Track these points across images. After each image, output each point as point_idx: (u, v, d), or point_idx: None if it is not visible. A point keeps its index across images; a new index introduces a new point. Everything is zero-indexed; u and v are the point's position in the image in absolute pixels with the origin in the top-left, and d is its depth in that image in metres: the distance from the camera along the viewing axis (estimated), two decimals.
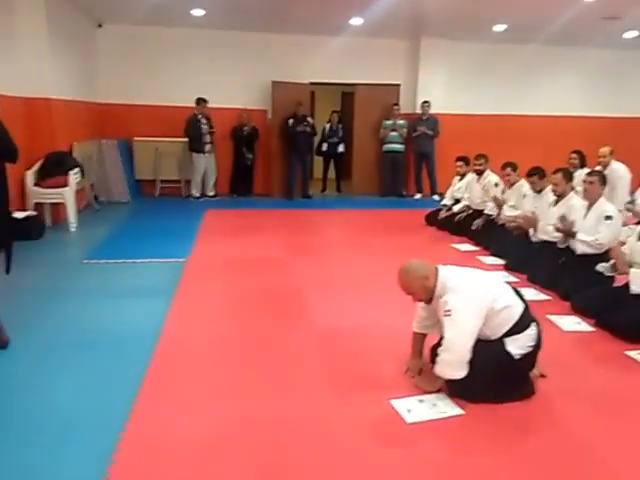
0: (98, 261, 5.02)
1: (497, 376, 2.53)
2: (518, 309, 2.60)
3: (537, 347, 2.64)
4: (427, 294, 2.63)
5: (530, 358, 2.64)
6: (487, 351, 2.52)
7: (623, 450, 2.29)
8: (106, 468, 2.05)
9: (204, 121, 8.47)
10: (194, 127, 8.38)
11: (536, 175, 5.13)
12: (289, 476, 2.07)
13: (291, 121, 8.73)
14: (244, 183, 9.12)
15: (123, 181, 8.32)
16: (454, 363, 2.50)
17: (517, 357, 2.57)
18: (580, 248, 4.22)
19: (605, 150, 6.31)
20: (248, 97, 9.07)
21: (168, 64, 8.76)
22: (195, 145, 8.46)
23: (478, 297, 2.52)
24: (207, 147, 8.53)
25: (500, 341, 2.57)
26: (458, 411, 2.51)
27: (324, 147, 9.59)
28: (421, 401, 2.59)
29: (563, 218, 4.37)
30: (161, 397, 2.61)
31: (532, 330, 2.62)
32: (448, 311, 2.48)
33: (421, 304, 2.80)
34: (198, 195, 8.69)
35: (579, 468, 2.17)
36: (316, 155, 9.83)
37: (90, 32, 8.40)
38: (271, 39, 8.90)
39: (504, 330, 2.56)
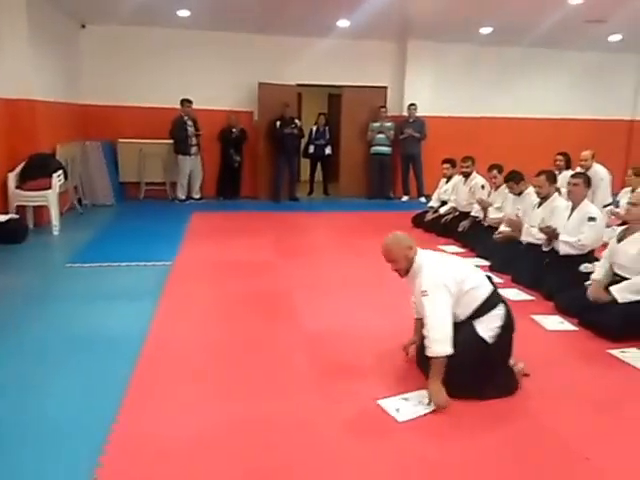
0: (82, 265, 4.95)
1: (476, 365, 2.59)
2: (486, 290, 2.71)
3: (508, 329, 2.69)
4: (407, 264, 2.75)
5: (504, 342, 2.69)
6: (462, 341, 2.58)
7: (606, 447, 2.30)
8: (93, 470, 2.04)
9: (190, 123, 8.42)
10: (180, 129, 8.33)
11: (512, 180, 5.22)
12: (278, 478, 2.05)
13: (278, 123, 8.71)
14: (231, 186, 9.08)
15: (107, 183, 8.24)
16: (441, 339, 2.55)
17: (490, 341, 2.64)
18: (563, 249, 4.26)
19: (587, 154, 6.41)
20: (234, 98, 9.04)
21: (153, 65, 8.70)
22: (181, 147, 8.41)
23: (448, 277, 2.66)
24: (193, 149, 8.49)
25: (470, 325, 2.66)
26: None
27: (311, 149, 9.57)
28: (406, 399, 2.60)
29: (545, 225, 4.41)
30: (148, 399, 2.59)
31: (499, 310, 2.69)
32: (424, 292, 2.62)
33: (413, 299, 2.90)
34: (184, 198, 8.63)
35: (563, 465, 2.18)
36: (303, 157, 9.82)
37: (73, 33, 8.32)
38: (257, 40, 8.88)
39: (472, 308, 2.67)
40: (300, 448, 2.24)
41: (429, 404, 2.52)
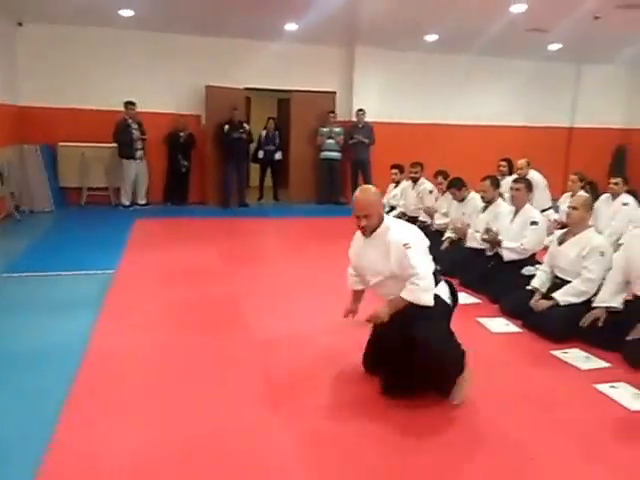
0: (19, 274, 4.71)
1: (448, 321, 2.72)
2: (432, 266, 2.77)
3: (455, 300, 2.81)
4: (377, 222, 2.71)
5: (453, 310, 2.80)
6: (434, 310, 2.62)
7: (549, 447, 2.34)
8: None
9: (135, 126, 8.18)
10: (124, 132, 8.08)
11: (454, 187, 5.35)
12: None
13: (227, 127, 8.58)
14: (178, 191, 8.86)
15: (46, 189, 7.87)
16: (429, 288, 2.60)
17: (449, 302, 2.75)
18: (507, 255, 4.36)
19: (522, 162, 6.67)
20: (181, 102, 8.84)
21: (95, 66, 8.39)
22: (125, 151, 8.15)
23: (420, 236, 2.76)
24: (138, 153, 8.24)
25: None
26: None
27: (260, 154, 9.48)
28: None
29: (488, 230, 4.51)
30: (87, 417, 2.46)
31: (443, 286, 2.78)
32: (407, 244, 2.60)
33: (351, 271, 3.00)
34: (128, 203, 8.35)
35: (508, 466, 2.20)
36: (252, 162, 9.71)
37: (9, 31, 7.92)
38: (204, 42, 8.72)
39: None
40: (252, 469, 2.15)
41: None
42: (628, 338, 3.24)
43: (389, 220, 2.76)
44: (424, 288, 2.58)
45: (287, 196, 9.68)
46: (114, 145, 8.19)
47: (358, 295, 3.04)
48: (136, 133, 8.18)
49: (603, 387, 2.90)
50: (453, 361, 2.63)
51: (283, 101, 10.77)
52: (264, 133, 9.50)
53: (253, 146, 9.36)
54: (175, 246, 5.92)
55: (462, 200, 5.34)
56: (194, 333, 3.51)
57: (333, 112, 9.34)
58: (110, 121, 8.04)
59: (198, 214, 8.14)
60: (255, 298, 4.25)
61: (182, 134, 8.64)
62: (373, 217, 2.68)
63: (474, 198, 5.19)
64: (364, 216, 2.67)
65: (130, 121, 8.13)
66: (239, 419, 2.49)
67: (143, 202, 8.49)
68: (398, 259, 2.61)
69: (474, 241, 4.81)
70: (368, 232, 2.71)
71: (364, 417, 2.52)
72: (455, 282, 4.64)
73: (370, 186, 2.89)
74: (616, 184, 5.40)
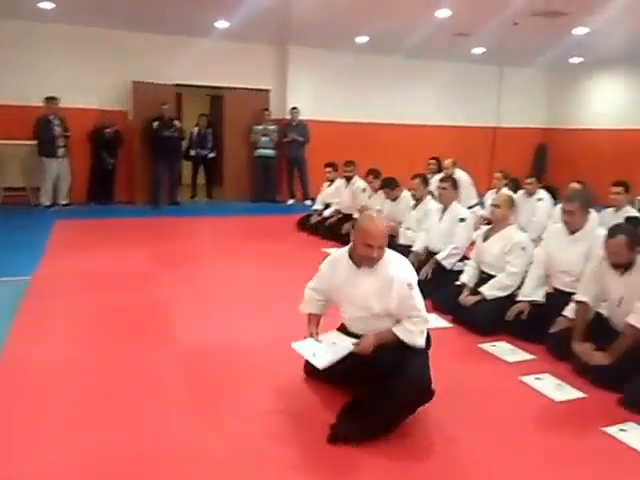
0: None
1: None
2: None
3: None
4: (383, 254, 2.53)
5: None
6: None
7: (479, 437, 2.39)
8: None
9: (57, 122, 7.75)
10: (45, 129, 7.63)
11: (387, 187, 5.44)
12: None
13: (156, 124, 8.29)
14: (104, 190, 8.47)
15: None
16: (424, 332, 2.56)
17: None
18: (448, 263, 4.39)
19: (449, 162, 6.92)
20: (106, 97, 8.46)
21: (12, 60, 7.85)
22: (46, 148, 7.69)
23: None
24: (60, 151, 7.80)
25: None
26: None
27: (193, 152, 9.24)
28: (319, 341, 2.65)
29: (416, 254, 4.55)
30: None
31: None
32: (410, 284, 2.51)
33: (314, 294, 2.81)
34: (49, 204, 7.88)
35: (440, 457, 2.23)
36: (185, 160, 9.45)
37: None
38: (131, 37, 8.38)
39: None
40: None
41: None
42: (551, 330, 3.37)
43: (388, 252, 2.56)
44: (421, 331, 2.52)
45: (221, 194, 9.50)
46: (32, 142, 7.71)
47: (317, 319, 2.79)
48: (58, 130, 7.75)
49: (529, 379, 3.00)
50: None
51: (216, 98, 10.57)
52: (196, 130, 9.25)
53: (185, 143, 9.11)
54: (99, 249, 5.63)
55: (395, 199, 5.40)
56: (117, 343, 3.32)
57: (267, 110, 9.25)
58: (28, 117, 7.57)
59: (125, 214, 7.81)
60: (185, 303, 4.10)
61: (108, 131, 8.26)
62: (384, 248, 2.51)
63: (406, 196, 5.28)
64: (379, 247, 2.46)
65: (52, 117, 7.70)
66: (160, 432, 2.38)
67: (65, 202, 8.04)
68: (401, 299, 2.48)
69: (405, 239, 4.88)
70: (374, 264, 2.51)
71: (302, 426, 2.47)
72: None
73: (377, 213, 2.91)
74: (530, 183, 5.65)
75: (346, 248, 2.66)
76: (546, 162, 11.25)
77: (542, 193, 5.68)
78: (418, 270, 4.40)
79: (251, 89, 9.30)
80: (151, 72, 8.46)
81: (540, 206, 5.53)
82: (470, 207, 6.11)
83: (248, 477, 2.09)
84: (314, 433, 2.36)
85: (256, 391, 2.76)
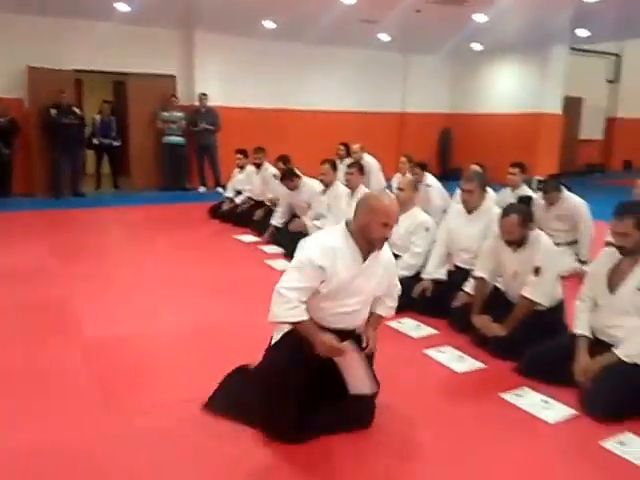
0: None
1: None
2: None
3: None
4: None
5: None
6: None
7: (388, 411, 2.47)
8: None
9: None
10: None
11: (286, 179, 5.48)
12: None
13: (54, 111, 7.81)
14: (0, 182, 7.88)
15: None
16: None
17: None
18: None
19: (356, 147, 7.07)
20: None
21: None
22: None
23: None
24: None
25: None
26: None
27: (96, 140, 8.78)
28: None
29: None
30: None
31: None
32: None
33: (298, 296, 2.17)
34: None
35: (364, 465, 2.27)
36: (88, 149, 8.96)
37: None
38: (23, 21, 7.81)
39: None
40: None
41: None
42: (452, 305, 3.56)
43: None
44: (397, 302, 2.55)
45: (128, 184, 9.14)
46: None
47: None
48: None
49: (432, 352, 3.16)
50: None
51: (119, 84, 10.09)
52: (99, 118, 8.81)
53: (88, 131, 8.65)
54: None
55: (295, 189, 5.49)
56: (14, 343, 3.13)
57: (174, 96, 8.97)
58: None
59: (24, 206, 7.32)
60: (91, 298, 3.92)
61: (1, 119, 7.66)
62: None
63: (306, 184, 5.38)
64: (392, 228, 2.26)
65: None
66: (68, 428, 2.30)
67: None
68: (392, 277, 2.41)
69: (313, 227, 4.94)
70: (381, 246, 2.29)
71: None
72: None
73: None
74: (417, 173, 5.76)
75: (336, 235, 2.28)
76: (450, 146, 11.78)
77: (430, 179, 5.84)
78: None
79: (156, 75, 8.97)
80: (48, 57, 7.96)
81: (430, 191, 5.72)
82: None
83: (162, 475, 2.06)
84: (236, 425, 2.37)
85: (165, 383, 2.71)
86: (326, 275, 2.18)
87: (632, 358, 2.53)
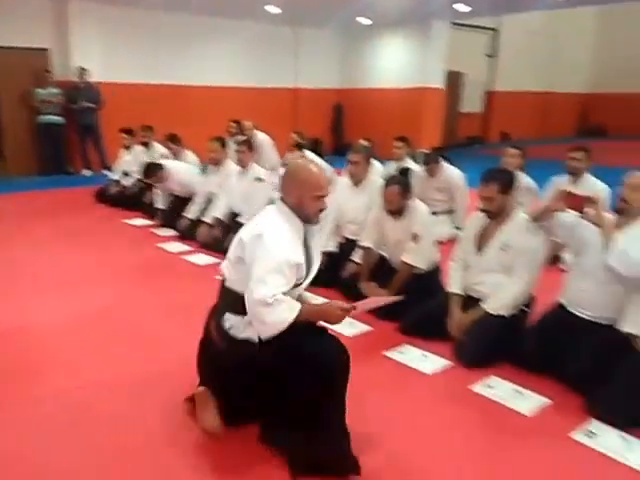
0: None
1: None
2: None
3: None
4: None
5: None
6: None
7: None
8: None
9: None
10: None
11: (150, 175, 5.28)
12: None
13: None
14: None
15: None
16: None
17: None
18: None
19: (248, 124, 7.02)
20: None
21: None
22: None
23: None
24: None
25: None
26: None
27: None
28: None
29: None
30: None
31: None
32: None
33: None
34: None
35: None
36: None
37: None
38: None
39: None
40: None
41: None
42: (342, 275, 3.72)
43: None
44: None
45: (2, 169, 8.39)
46: None
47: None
48: None
49: None
50: None
51: None
52: None
53: None
54: None
55: (164, 181, 5.34)
56: None
57: (48, 71, 8.32)
58: None
59: None
60: None
61: None
62: None
63: (171, 172, 5.27)
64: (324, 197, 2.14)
65: None
66: None
67: None
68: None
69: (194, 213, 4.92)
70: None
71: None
72: (195, 244, 4.80)
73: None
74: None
75: (282, 219, 2.07)
76: (342, 122, 12.02)
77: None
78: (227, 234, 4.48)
79: (26, 48, 8.23)
80: None
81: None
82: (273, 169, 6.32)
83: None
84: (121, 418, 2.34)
85: (55, 371, 2.62)
86: (301, 267, 2.07)
87: (497, 310, 2.83)
